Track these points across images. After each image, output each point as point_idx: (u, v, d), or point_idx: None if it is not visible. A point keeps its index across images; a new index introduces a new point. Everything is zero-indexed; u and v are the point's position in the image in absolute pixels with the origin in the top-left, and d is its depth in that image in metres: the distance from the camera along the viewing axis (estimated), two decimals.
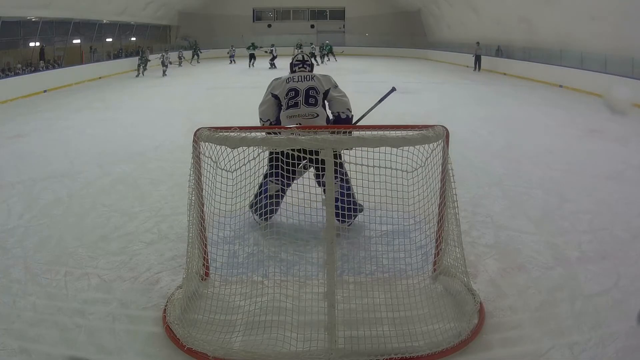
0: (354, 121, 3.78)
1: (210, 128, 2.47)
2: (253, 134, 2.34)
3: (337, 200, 3.14)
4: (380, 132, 2.40)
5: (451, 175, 2.66)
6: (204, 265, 2.92)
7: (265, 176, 3.44)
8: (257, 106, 3.75)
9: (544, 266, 3.18)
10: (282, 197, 3.35)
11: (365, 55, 26.34)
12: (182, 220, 3.56)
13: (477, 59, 18.64)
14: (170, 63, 18.34)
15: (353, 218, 3.54)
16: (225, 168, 2.54)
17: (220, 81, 15.80)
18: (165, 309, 2.63)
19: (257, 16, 31.36)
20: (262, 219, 3.44)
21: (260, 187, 3.40)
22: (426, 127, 2.48)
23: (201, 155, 2.62)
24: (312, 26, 31.27)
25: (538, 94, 12.36)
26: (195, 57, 23.51)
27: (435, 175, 2.70)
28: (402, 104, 9.42)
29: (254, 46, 21.09)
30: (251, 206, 3.39)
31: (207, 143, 2.52)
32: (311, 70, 3.81)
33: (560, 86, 13.50)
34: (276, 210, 3.35)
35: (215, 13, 29.54)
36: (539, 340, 2.41)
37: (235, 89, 13.31)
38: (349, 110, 3.67)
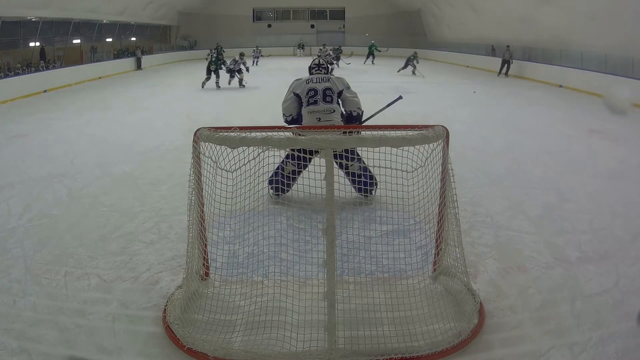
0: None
1: (210, 128, 2.47)
2: (253, 134, 2.34)
3: (359, 176, 3.87)
4: (380, 132, 2.40)
5: (451, 175, 2.66)
6: (204, 265, 2.91)
7: (286, 156, 3.80)
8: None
9: (544, 266, 3.18)
10: (297, 177, 3.47)
11: (365, 55, 26.28)
12: (182, 220, 3.56)
13: (506, 64, 16.52)
14: (247, 68, 14.01)
15: (374, 192, 4.07)
16: (225, 168, 2.53)
17: (220, 81, 15.76)
18: (165, 309, 2.63)
19: (257, 16, 31.37)
20: (275, 194, 3.90)
21: (279, 164, 3.77)
22: (426, 127, 2.48)
23: (201, 155, 2.61)
24: (312, 26, 31.29)
25: (538, 94, 12.36)
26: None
27: (435, 175, 2.70)
28: (402, 104, 9.39)
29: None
30: (269, 182, 3.70)
31: (207, 143, 2.52)
32: (327, 73, 4.47)
33: (560, 86, 13.50)
34: (288, 189, 3.58)
35: (215, 13, 29.54)
36: (539, 340, 2.41)
37: (235, 89, 13.31)
38: (360, 108, 4.29)
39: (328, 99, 4.17)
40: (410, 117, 8.05)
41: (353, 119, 4.24)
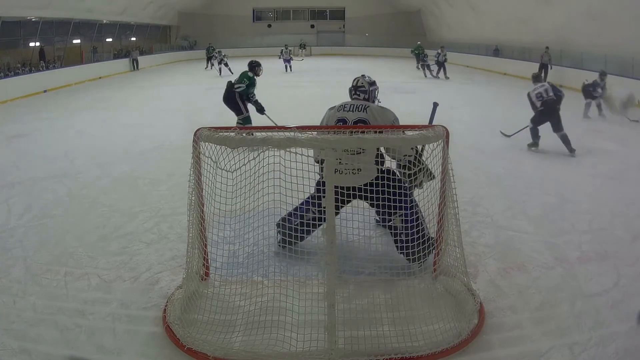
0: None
1: (210, 128, 2.47)
2: (253, 134, 2.34)
3: (401, 235, 2.99)
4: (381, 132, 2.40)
5: (451, 175, 2.66)
6: (204, 265, 2.91)
7: (308, 202, 3.10)
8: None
9: (544, 266, 3.18)
10: (316, 227, 3.12)
11: (365, 56, 26.33)
12: (182, 220, 3.56)
13: (544, 69, 14.24)
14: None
15: (423, 257, 2.91)
16: (225, 168, 2.54)
17: (220, 81, 15.77)
18: (165, 309, 2.63)
19: (257, 16, 31.36)
20: (282, 244, 3.23)
21: (297, 209, 3.13)
22: (426, 127, 2.48)
23: (201, 155, 2.62)
24: (312, 26, 31.27)
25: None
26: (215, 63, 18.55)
27: (435, 175, 2.70)
28: (402, 104, 9.41)
29: None
30: (278, 225, 3.24)
31: (207, 143, 2.52)
32: (367, 99, 3.33)
33: (561, 86, 13.49)
34: (301, 240, 3.14)
35: (215, 13, 29.54)
36: (539, 340, 2.41)
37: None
38: (407, 155, 2.83)
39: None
40: (410, 117, 8.05)
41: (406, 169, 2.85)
